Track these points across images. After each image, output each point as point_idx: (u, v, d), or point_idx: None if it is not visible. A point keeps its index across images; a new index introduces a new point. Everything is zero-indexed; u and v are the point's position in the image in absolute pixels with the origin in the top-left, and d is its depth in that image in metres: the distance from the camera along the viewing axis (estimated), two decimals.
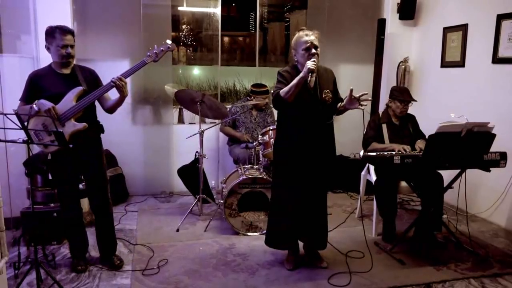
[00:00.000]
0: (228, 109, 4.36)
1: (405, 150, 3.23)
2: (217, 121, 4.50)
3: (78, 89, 2.72)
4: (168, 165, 4.82)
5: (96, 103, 2.89)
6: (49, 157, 2.96)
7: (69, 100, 2.70)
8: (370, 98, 2.66)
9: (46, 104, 2.64)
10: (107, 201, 2.97)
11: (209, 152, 4.76)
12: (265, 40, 6.96)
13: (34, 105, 2.66)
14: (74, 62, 2.85)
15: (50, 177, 3.44)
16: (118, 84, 2.69)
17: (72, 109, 2.69)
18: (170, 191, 4.88)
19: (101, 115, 2.96)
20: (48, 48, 2.73)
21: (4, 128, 2.53)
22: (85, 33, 4.41)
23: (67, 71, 2.78)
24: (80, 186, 3.04)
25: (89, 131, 2.78)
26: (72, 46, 2.72)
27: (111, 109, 2.89)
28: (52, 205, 3.42)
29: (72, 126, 2.70)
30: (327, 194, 3.01)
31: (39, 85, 2.72)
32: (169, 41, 2.81)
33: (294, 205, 2.88)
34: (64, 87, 2.72)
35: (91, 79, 2.83)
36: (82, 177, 3.01)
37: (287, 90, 2.59)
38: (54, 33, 2.68)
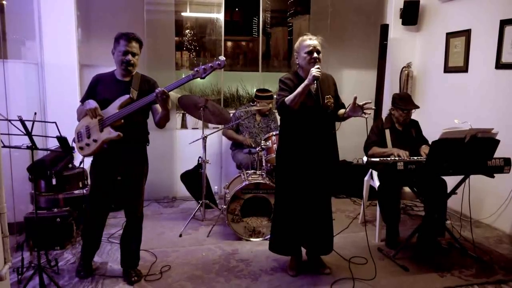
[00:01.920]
0: (231, 114, 4.37)
1: (400, 156, 3.22)
2: (220, 126, 4.51)
3: (125, 97, 2.67)
4: (171, 170, 4.83)
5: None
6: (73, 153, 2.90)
7: (114, 107, 2.68)
8: (373, 107, 2.66)
9: (92, 104, 2.66)
10: (138, 207, 2.91)
11: (212, 157, 4.77)
12: (268, 45, 6.98)
13: (84, 106, 2.70)
14: (140, 71, 2.84)
15: (54, 182, 3.45)
16: (159, 98, 2.59)
17: (112, 116, 2.66)
18: (173, 196, 4.88)
19: None
20: (113, 53, 2.73)
21: (8, 134, 2.55)
22: (89, 39, 4.45)
23: (127, 78, 2.77)
24: None
25: (131, 141, 2.76)
26: (134, 54, 2.69)
27: (158, 123, 2.82)
28: (55, 210, 3.42)
29: (107, 133, 2.66)
30: (331, 199, 3.01)
31: (97, 88, 2.76)
32: (222, 58, 2.60)
33: (298, 210, 2.87)
34: (116, 93, 2.70)
35: (147, 90, 2.75)
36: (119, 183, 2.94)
37: (292, 98, 2.61)
38: (119, 39, 2.68)
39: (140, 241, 3.00)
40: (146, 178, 2.95)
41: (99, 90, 2.74)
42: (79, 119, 2.79)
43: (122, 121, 2.67)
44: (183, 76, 2.67)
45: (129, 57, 2.67)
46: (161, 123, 2.81)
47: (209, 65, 2.61)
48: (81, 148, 2.74)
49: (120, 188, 2.84)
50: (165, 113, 2.73)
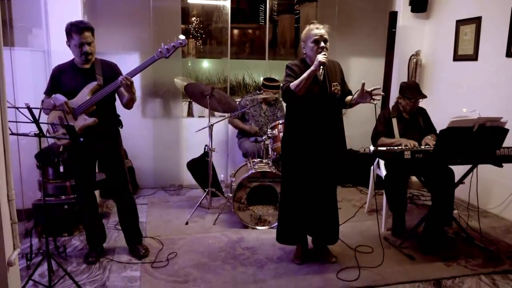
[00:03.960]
0: (237, 102, 4.35)
1: (407, 146, 3.19)
2: (226, 114, 4.50)
3: (93, 84, 2.78)
4: (177, 158, 4.85)
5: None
6: (61, 149, 3.03)
7: (84, 94, 2.77)
8: (382, 93, 2.64)
9: (60, 99, 2.74)
10: (126, 189, 3.04)
11: (218, 145, 4.78)
12: (275, 32, 6.91)
13: (50, 99, 2.78)
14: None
15: (61, 170, 3.49)
16: (123, 84, 2.70)
17: (84, 104, 2.75)
18: (179, 184, 4.90)
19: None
20: (68, 46, 2.79)
21: (16, 122, 2.56)
22: (95, 26, 4.39)
23: (87, 66, 2.84)
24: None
25: (105, 125, 2.85)
26: (89, 43, 2.74)
27: (126, 105, 2.94)
28: (63, 197, 3.46)
29: (83, 120, 2.76)
30: (336, 188, 3.00)
31: (60, 79, 2.82)
32: (182, 36, 2.78)
33: (304, 199, 2.87)
34: (81, 82, 2.78)
35: (111, 74, 2.85)
36: (98, 170, 3.11)
37: (297, 83, 2.59)
38: (70, 32, 2.72)
39: (137, 216, 3.15)
40: (125, 159, 3.09)
41: (63, 81, 2.82)
42: (46, 112, 2.84)
43: (95, 107, 2.77)
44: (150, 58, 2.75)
45: (86, 48, 2.74)
46: (129, 105, 2.92)
47: (172, 44, 2.76)
48: (58, 139, 2.82)
49: (104, 171, 3.02)
50: (131, 97, 2.84)
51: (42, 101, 2.89)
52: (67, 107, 2.72)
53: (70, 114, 2.75)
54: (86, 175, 2.97)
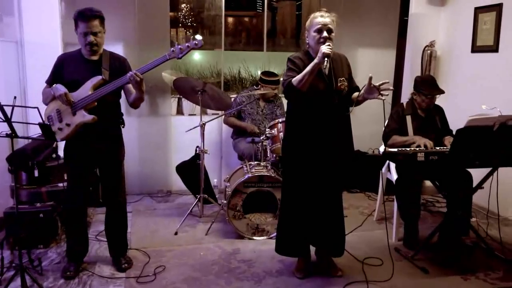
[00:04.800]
0: (232, 99, 4.37)
1: (426, 146, 3.21)
2: (219, 112, 4.51)
3: (97, 78, 2.79)
4: (165, 161, 4.85)
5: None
6: (55, 145, 3.04)
7: (86, 89, 2.79)
8: (391, 88, 2.65)
9: (60, 89, 2.76)
10: (121, 196, 3.09)
11: (211, 147, 4.78)
12: (274, 21, 6.93)
13: (51, 90, 2.81)
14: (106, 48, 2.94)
15: (36, 174, 3.48)
16: (132, 80, 2.72)
17: (85, 99, 2.78)
18: (167, 190, 4.91)
19: None
20: (76, 33, 2.82)
21: None
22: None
23: (94, 57, 2.87)
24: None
25: (106, 124, 2.90)
26: (95, 33, 2.76)
27: (133, 104, 2.98)
28: (38, 205, 3.45)
29: (81, 117, 2.79)
30: (342, 195, 3.02)
31: (62, 69, 2.86)
32: (198, 37, 2.79)
33: (307, 206, 2.89)
34: (86, 74, 2.81)
35: (118, 69, 2.87)
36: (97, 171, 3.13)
37: (300, 78, 2.60)
38: (77, 20, 2.75)
39: (127, 227, 3.21)
40: (123, 162, 3.14)
41: (66, 71, 2.85)
42: (45, 102, 2.92)
43: (96, 103, 2.79)
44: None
45: (91, 38, 2.76)
46: (136, 104, 2.97)
47: (186, 44, 2.76)
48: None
49: (99, 176, 3.05)
50: (139, 95, 2.86)
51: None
52: (65, 99, 2.74)
53: (68, 108, 2.79)
54: (83, 178, 2.99)
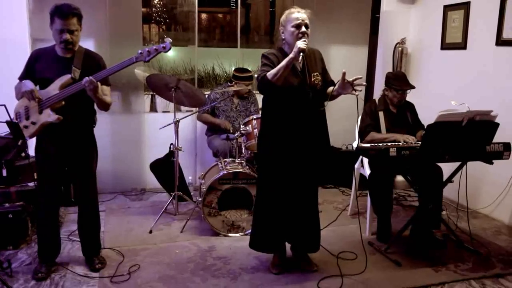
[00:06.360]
0: (206, 95, 4.34)
1: (406, 142, 3.27)
2: (194, 109, 4.48)
3: (66, 77, 2.72)
4: (139, 158, 4.79)
5: None
6: (20, 143, 2.99)
7: (54, 87, 2.72)
8: (364, 83, 2.69)
9: (27, 85, 2.70)
10: (94, 195, 3.05)
11: (185, 144, 4.75)
12: (248, 17, 6.92)
13: (21, 85, 2.73)
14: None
15: (5, 173, 3.40)
16: (87, 87, 2.64)
17: (52, 98, 2.71)
18: (141, 188, 4.85)
19: None
20: (51, 29, 2.72)
21: None
22: (42, 8, 4.29)
23: (68, 55, 2.79)
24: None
25: (75, 124, 2.84)
26: (72, 31, 2.68)
27: (99, 108, 2.90)
28: (7, 205, 3.36)
29: (46, 116, 2.72)
30: (318, 191, 3.04)
31: (35, 65, 2.78)
32: (168, 40, 2.70)
33: (282, 203, 2.90)
34: (57, 71, 2.74)
35: (91, 68, 2.78)
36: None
37: (275, 72, 2.61)
38: (53, 16, 2.65)
39: (99, 226, 3.18)
40: (97, 162, 3.09)
41: (38, 68, 2.78)
42: (18, 98, 2.85)
43: (63, 102, 2.72)
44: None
45: (66, 36, 2.68)
46: (100, 109, 2.90)
47: (154, 47, 2.72)
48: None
49: (71, 176, 3.00)
50: (97, 101, 2.80)
51: None
52: (31, 96, 2.67)
53: (35, 106, 2.72)
54: (54, 177, 2.91)
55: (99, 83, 2.68)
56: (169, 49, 2.72)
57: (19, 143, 3.55)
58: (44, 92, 2.73)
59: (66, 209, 4.02)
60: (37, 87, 2.78)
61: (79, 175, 2.99)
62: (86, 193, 3.02)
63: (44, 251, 2.99)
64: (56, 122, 2.70)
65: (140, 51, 2.73)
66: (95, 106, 2.92)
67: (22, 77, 2.82)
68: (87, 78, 2.63)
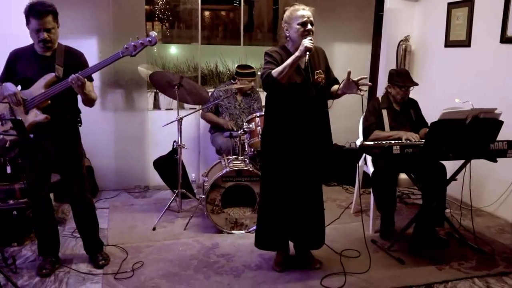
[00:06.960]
0: (209, 93, 4.34)
1: (409, 140, 3.26)
2: (197, 107, 4.48)
3: (50, 75, 2.70)
4: (142, 156, 4.80)
5: None
6: (8, 145, 2.96)
7: (39, 86, 2.70)
8: (369, 83, 2.68)
9: (9, 88, 2.66)
10: (84, 192, 3.01)
11: (188, 141, 4.75)
12: (251, 15, 6.91)
13: (2, 87, 2.69)
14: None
15: (9, 171, 3.41)
16: (74, 84, 2.63)
17: (37, 97, 2.69)
18: (145, 185, 4.86)
19: None
20: (28, 29, 2.70)
21: None
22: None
23: (48, 53, 2.76)
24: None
25: (61, 122, 2.81)
26: (49, 30, 2.65)
27: (84, 105, 2.89)
28: (11, 202, 3.38)
29: (34, 116, 2.70)
30: (322, 188, 3.04)
31: (15, 66, 2.75)
32: (153, 33, 2.72)
33: (286, 200, 2.90)
34: (38, 71, 2.71)
35: (74, 65, 2.76)
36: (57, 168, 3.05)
37: (280, 70, 2.60)
38: (28, 14, 2.62)
39: (97, 223, 3.16)
40: (84, 160, 3.09)
41: (19, 68, 2.75)
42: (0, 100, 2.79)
43: (49, 101, 2.71)
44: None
45: (44, 35, 2.65)
46: (86, 105, 2.89)
47: (139, 41, 2.71)
48: (5, 131, 2.75)
49: (61, 175, 3.01)
50: (84, 98, 2.80)
51: None
52: (15, 99, 2.65)
53: (21, 107, 2.69)
54: (40, 175, 2.91)
55: (85, 79, 2.67)
56: (155, 42, 2.74)
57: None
58: (27, 92, 2.70)
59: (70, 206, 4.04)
60: (19, 87, 2.74)
61: (69, 175, 2.96)
62: (79, 192, 2.99)
63: (43, 245, 3.02)
64: (44, 122, 2.69)
65: (126, 45, 2.72)
66: (80, 104, 2.93)
67: (2, 79, 2.78)
68: (73, 75, 2.61)
